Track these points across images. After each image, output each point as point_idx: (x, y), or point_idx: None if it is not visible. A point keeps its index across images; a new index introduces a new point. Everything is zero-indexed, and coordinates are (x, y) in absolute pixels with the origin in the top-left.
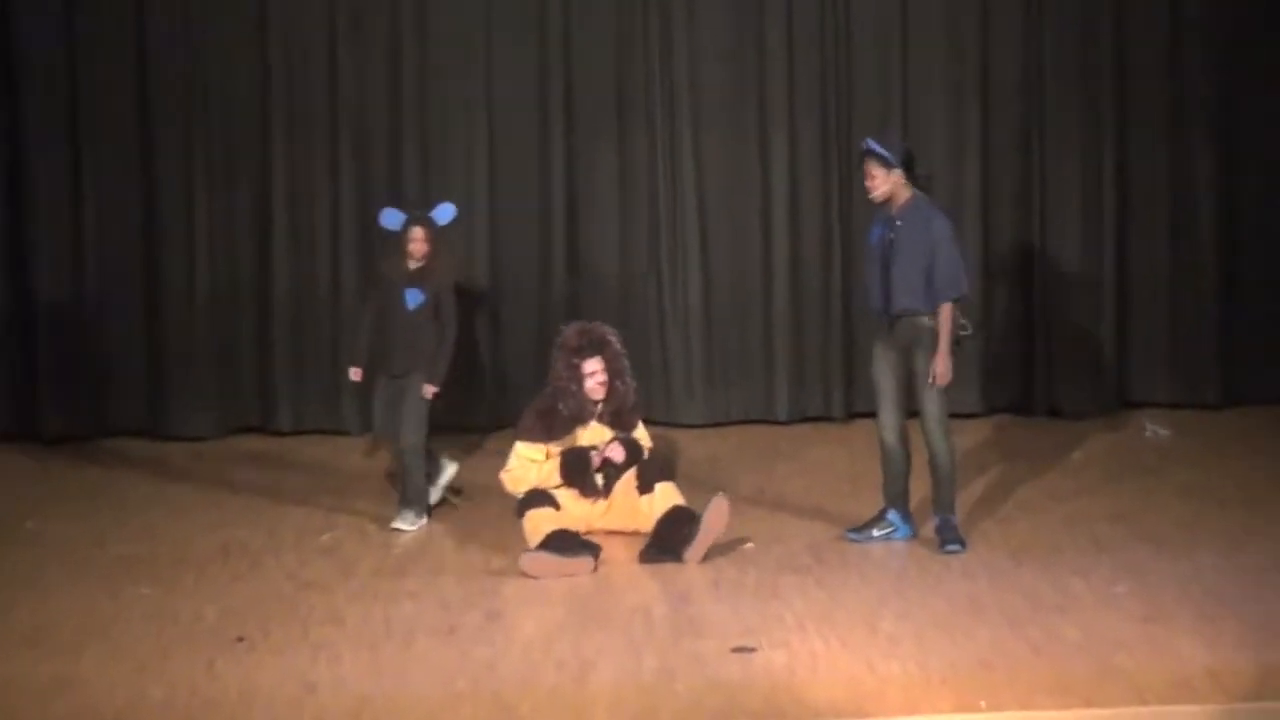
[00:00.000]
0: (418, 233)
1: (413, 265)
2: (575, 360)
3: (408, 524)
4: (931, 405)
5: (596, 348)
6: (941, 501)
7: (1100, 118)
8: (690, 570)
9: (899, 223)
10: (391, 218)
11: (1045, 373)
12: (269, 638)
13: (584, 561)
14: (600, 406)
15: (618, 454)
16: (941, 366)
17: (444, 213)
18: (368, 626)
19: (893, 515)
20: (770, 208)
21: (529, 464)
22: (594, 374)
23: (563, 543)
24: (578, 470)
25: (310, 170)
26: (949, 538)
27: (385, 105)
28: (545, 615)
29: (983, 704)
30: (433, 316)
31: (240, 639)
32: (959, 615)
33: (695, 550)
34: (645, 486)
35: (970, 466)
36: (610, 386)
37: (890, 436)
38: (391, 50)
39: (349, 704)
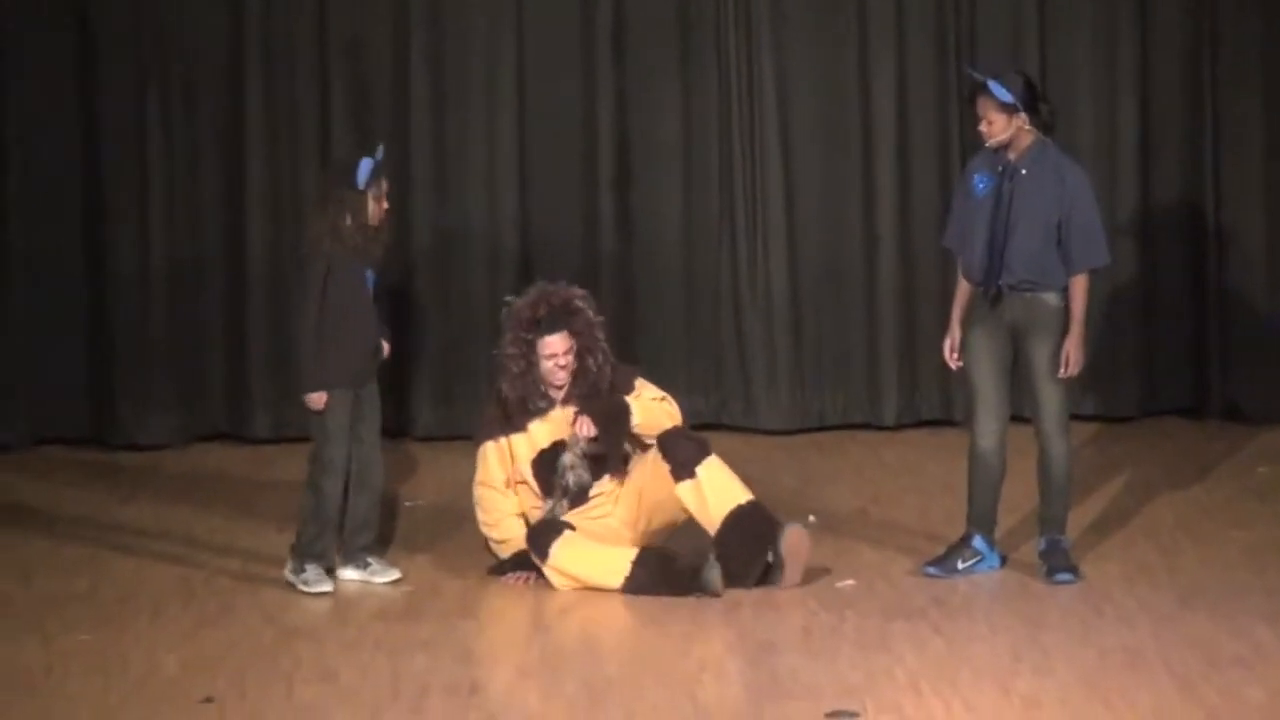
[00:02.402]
0: (385, 186)
1: (369, 232)
2: (528, 335)
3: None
4: (1053, 401)
5: (559, 320)
6: (1053, 519)
7: None
8: (773, 613)
9: (1022, 171)
10: (365, 170)
11: (1221, 365)
12: (244, 698)
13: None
14: (562, 393)
15: (586, 429)
16: (1076, 352)
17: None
18: (368, 684)
19: (979, 541)
20: (873, 157)
21: (495, 493)
22: (553, 355)
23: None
24: (541, 544)
25: (293, 117)
26: (1059, 564)
27: (388, 33)
28: (590, 670)
29: None
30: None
31: (208, 699)
32: (1113, 672)
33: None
34: (680, 469)
35: (1124, 480)
36: (580, 366)
37: (988, 442)
38: None
39: None
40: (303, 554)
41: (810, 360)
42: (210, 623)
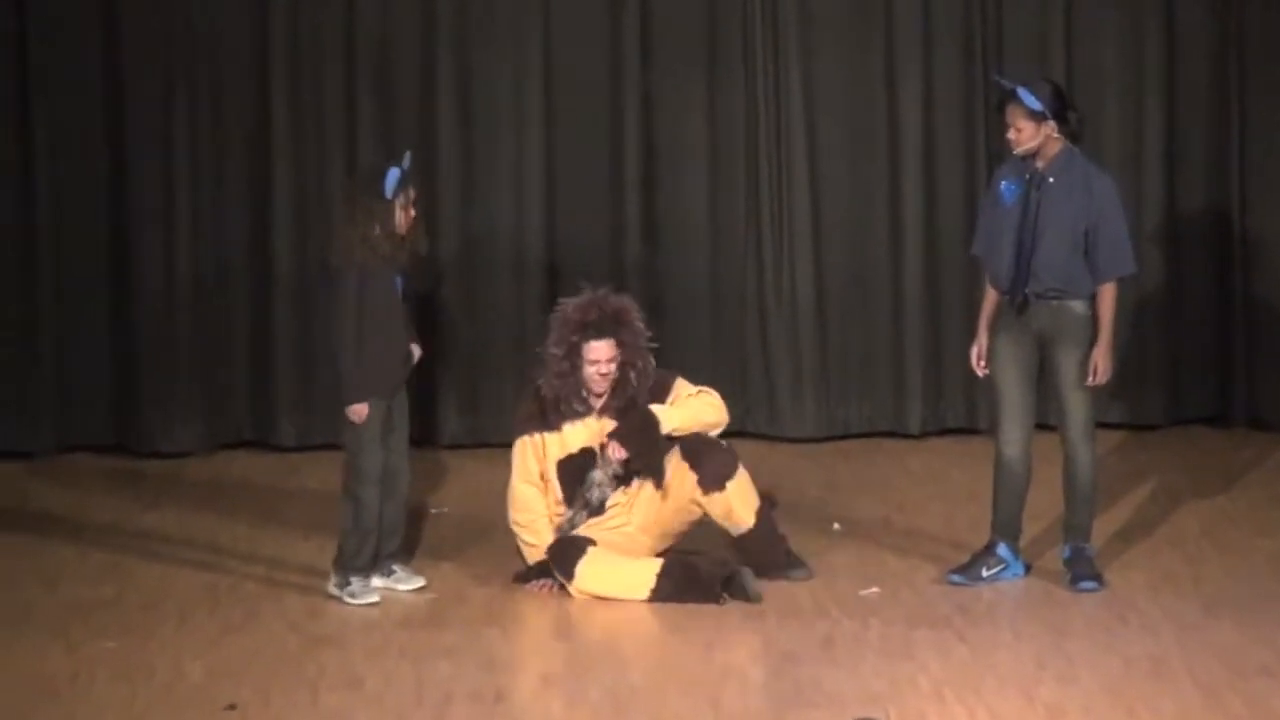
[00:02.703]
0: (413, 194)
1: (398, 240)
2: (575, 338)
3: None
4: (1080, 410)
5: (608, 328)
6: (1077, 527)
7: None
8: (797, 621)
9: (1050, 180)
10: (392, 180)
11: (1246, 373)
12: (269, 705)
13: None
14: (600, 401)
15: (618, 453)
16: (1104, 360)
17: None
18: (392, 691)
19: (1004, 549)
20: (899, 163)
21: (533, 491)
22: (597, 362)
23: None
24: (564, 561)
25: (320, 119)
26: (1083, 572)
27: (415, 38)
28: (614, 678)
29: None
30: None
31: (232, 706)
32: (1138, 681)
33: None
34: (709, 481)
35: (1149, 488)
36: (621, 377)
37: (1014, 450)
38: None
39: None
40: (346, 567)
41: (835, 368)
42: (235, 629)
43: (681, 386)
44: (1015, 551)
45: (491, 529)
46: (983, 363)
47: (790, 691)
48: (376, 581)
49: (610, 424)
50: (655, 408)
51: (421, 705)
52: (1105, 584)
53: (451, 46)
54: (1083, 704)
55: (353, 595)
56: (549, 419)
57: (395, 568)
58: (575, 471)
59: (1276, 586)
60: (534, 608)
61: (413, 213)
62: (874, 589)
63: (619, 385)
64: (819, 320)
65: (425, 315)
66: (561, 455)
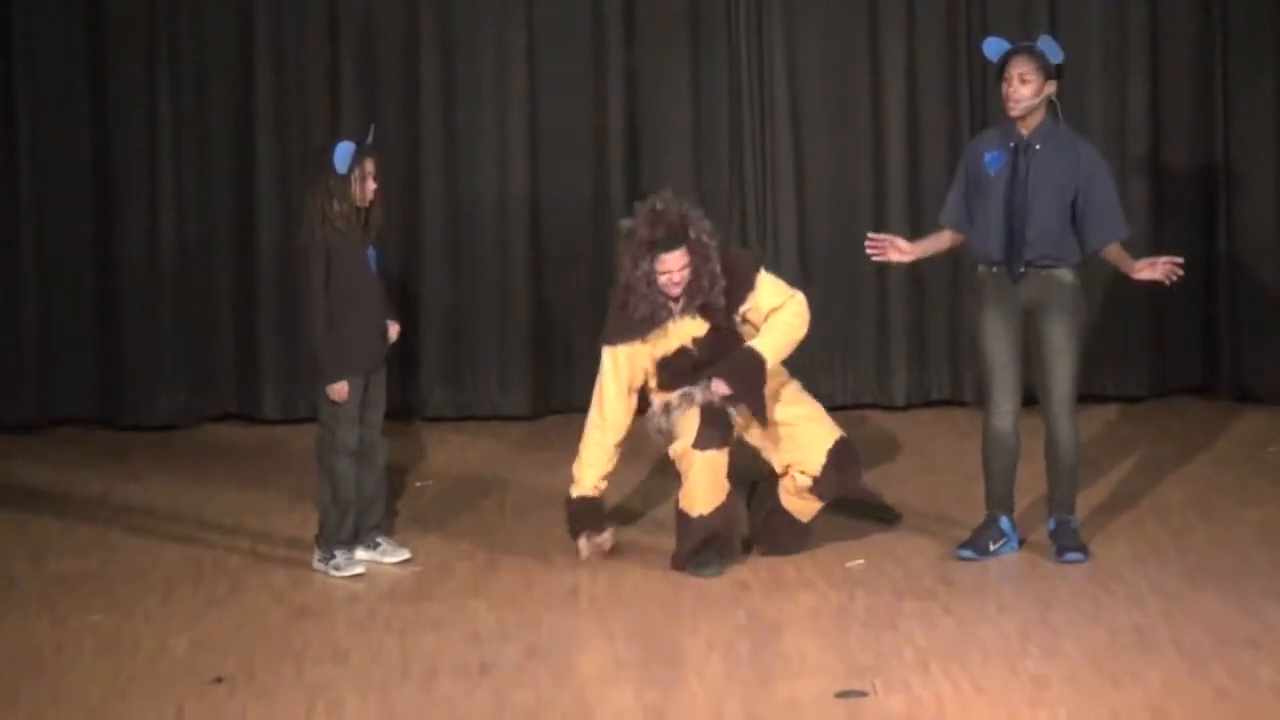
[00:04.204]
0: (371, 165)
1: (359, 214)
2: (647, 255)
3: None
4: (1062, 383)
5: (676, 239)
6: (1061, 499)
7: None
8: (782, 594)
9: (1036, 147)
10: (344, 154)
11: (1231, 344)
12: (254, 678)
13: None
14: (679, 305)
15: (722, 389)
16: (1158, 260)
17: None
18: (378, 664)
19: (1005, 523)
20: (883, 138)
21: (595, 435)
22: (669, 272)
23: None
24: (577, 525)
25: (303, 91)
26: (1068, 544)
27: (398, 13)
28: (600, 650)
29: None
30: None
31: (218, 679)
32: (1123, 651)
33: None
34: (821, 493)
35: (1134, 459)
36: (694, 280)
37: (1005, 423)
38: None
39: None
40: (329, 541)
41: (820, 341)
42: (220, 603)
43: (764, 289)
44: (1012, 524)
45: (475, 501)
46: (881, 244)
47: (776, 663)
48: (361, 554)
49: (696, 322)
50: (758, 344)
51: (407, 678)
52: (1090, 555)
53: (435, 19)
54: (1068, 675)
55: (337, 568)
56: (636, 331)
57: (380, 540)
58: (677, 367)
59: (1261, 557)
60: (519, 581)
61: (373, 185)
62: (859, 561)
63: (693, 286)
64: (802, 290)
65: (408, 287)
66: (659, 357)
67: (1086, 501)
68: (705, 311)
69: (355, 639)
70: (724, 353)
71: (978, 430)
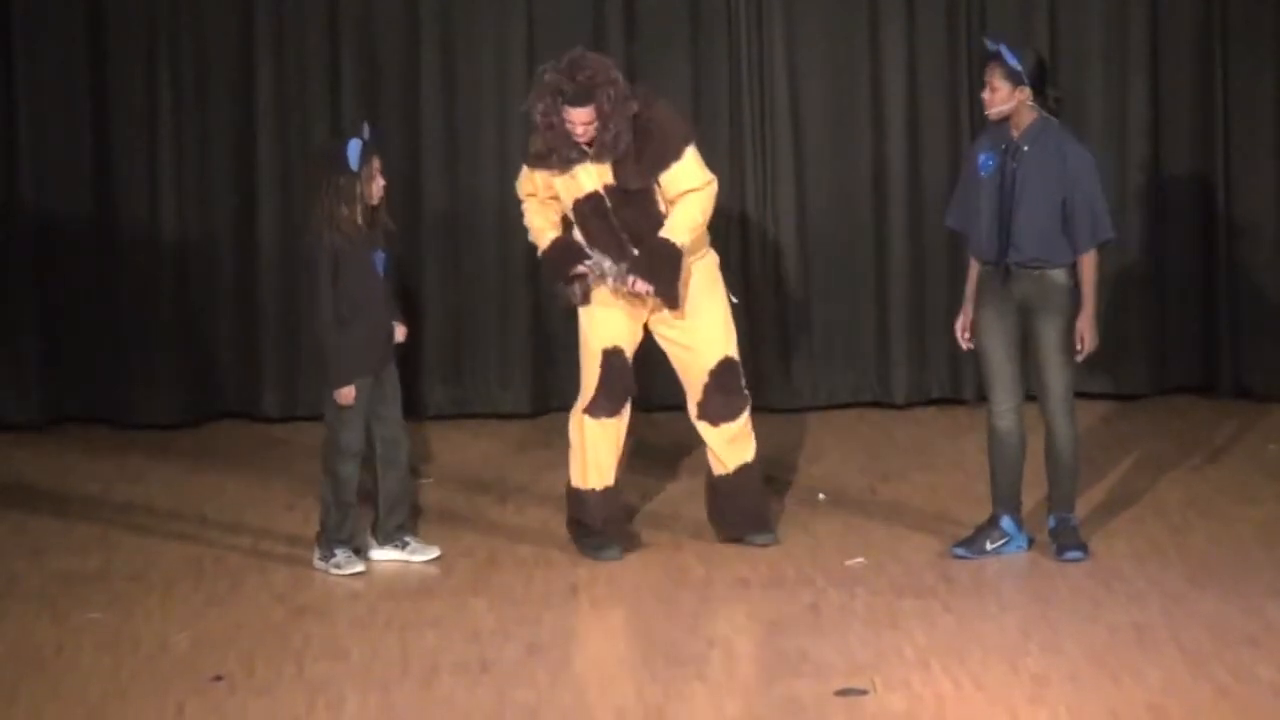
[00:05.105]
0: (377, 162)
1: (369, 214)
2: (551, 99)
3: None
4: (1059, 381)
5: (580, 97)
6: (1061, 498)
7: None
8: (782, 592)
9: (1024, 149)
10: (355, 151)
11: (1231, 342)
12: (254, 676)
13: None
14: (591, 149)
15: (643, 287)
16: (1089, 330)
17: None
18: (378, 662)
19: (1007, 522)
20: (884, 133)
21: (532, 204)
22: (573, 124)
23: (585, 531)
24: (552, 272)
25: (304, 87)
26: (1068, 542)
27: (398, 9)
28: (600, 649)
29: None
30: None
31: (218, 677)
32: (1123, 650)
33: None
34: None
35: (1134, 458)
36: (598, 137)
37: (1006, 422)
38: None
39: None
40: (330, 541)
41: (820, 338)
42: (220, 601)
43: (687, 165)
44: (1018, 524)
45: (476, 499)
46: (967, 335)
47: (776, 661)
48: (391, 554)
49: (608, 169)
50: (673, 234)
51: (407, 675)
52: (1090, 554)
53: (435, 15)
54: (1068, 673)
55: (338, 566)
56: (550, 161)
57: (408, 539)
58: (588, 215)
59: (1262, 555)
60: (519, 578)
61: (382, 182)
62: (860, 559)
63: (599, 139)
64: (804, 291)
65: (408, 285)
66: (572, 199)
67: (1086, 500)
68: (621, 163)
69: (355, 637)
70: (637, 211)
71: (978, 428)
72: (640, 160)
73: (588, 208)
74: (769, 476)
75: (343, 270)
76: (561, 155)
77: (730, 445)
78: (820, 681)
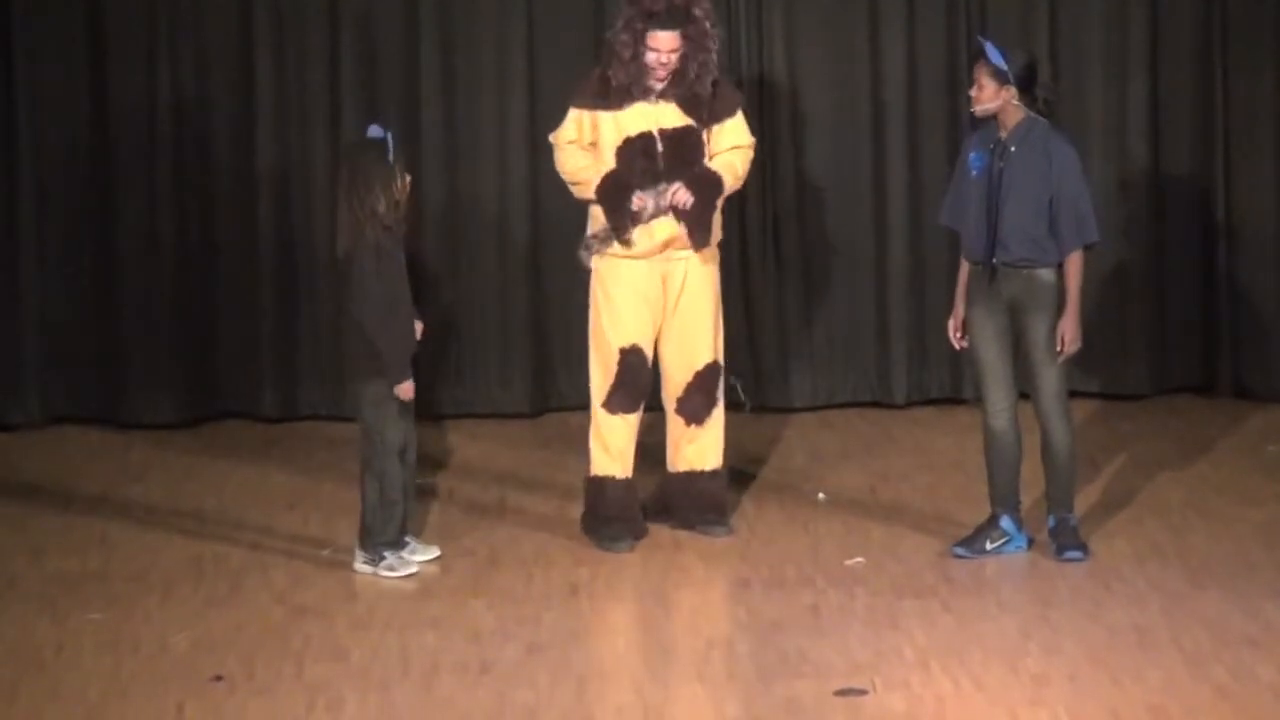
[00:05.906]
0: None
1: (399, 208)
2: (640, 25)
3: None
4: (1050, 380)
5: (676, 19)
6: (1059, 498)
7: None
8: (782, 592)
9: (1011, 149)
10: (391, 143)
11: (1231, 342)
12: (253, 676)
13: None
14: (661, 86)
15: (683, 197)
16: (1071, 331)
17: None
18: (378, 663)
19: (1006, 522)
20: (883, 133)
21: (573, 149)
22: (658, 51)
23: (602, 521)
24: (613, 205)
25: (303, 83)
26: (1068, 542)
27: (398, 5)
28: (600, 649)
29: None
30: None
31: (218, 678)
32: (1123, 650)
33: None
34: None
35: (1134, 458)
36: (680, 69)
37: (1000, 421)
38: None
39: None
40: (377, 543)
41: (820, 338)
42: (220, 601)
43: (739, 122)
44: (1018, 524)
45: (476, 499)
46: (959, 334)
47: (776, 661)
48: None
49: (671, 111)
50: (715, 166)
51: (407, 676)
52: (1090, 554)
53: (434, 14)
54: (1068, 674)
55: (390, 569)
56: (610, 99)
57: (408, 539)
58: (634, 154)
59: (1261, 556)
60: (519, 578)
61: (407, 176)
62: (859, 559)
63: (678, 75)
64: (803, 291)
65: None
66: (619, 139)
67: (1086, 500)
68: (687, 104)
69: (355, 638)
70: (686, 158)
71: (978, 428)
72: (713, 104)
73: (637, 147)
74: (769, 477)
75: (384, 267)
76: (634, 88)
77: (698, 446)
78: (820, 681)
